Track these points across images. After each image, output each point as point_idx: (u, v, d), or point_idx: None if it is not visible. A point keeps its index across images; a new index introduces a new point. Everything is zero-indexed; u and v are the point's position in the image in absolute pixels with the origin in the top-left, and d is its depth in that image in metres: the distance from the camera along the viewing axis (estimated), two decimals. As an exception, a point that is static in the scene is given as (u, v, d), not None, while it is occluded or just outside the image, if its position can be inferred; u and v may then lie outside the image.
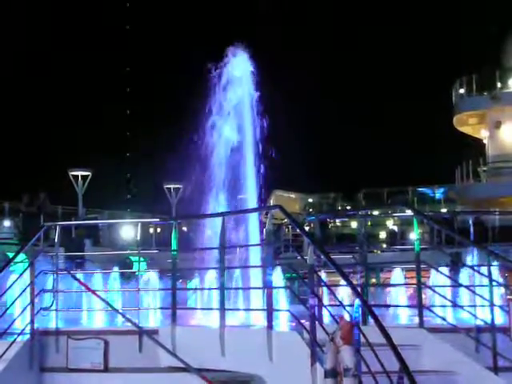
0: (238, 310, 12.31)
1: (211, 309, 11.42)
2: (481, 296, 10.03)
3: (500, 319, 9.86)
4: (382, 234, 37.49)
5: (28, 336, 10.79)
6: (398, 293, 14.01)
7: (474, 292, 10.46)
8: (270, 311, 9.33)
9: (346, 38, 59.86)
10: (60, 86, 54.44)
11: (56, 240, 11.58)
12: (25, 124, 53.56)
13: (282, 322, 10.73)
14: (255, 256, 13.50)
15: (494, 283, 10.12)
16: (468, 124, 43.44)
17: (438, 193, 52.40)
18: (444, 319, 10.45)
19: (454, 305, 11.45)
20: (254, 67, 16.25)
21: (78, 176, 34.32)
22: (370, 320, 8.44)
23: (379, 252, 26.49)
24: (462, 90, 42.18)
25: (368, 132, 55.85)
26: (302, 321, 8.92)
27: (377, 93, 58.82)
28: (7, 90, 51.28)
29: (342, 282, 8.57)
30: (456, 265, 13.65)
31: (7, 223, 38.92)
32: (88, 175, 34.25)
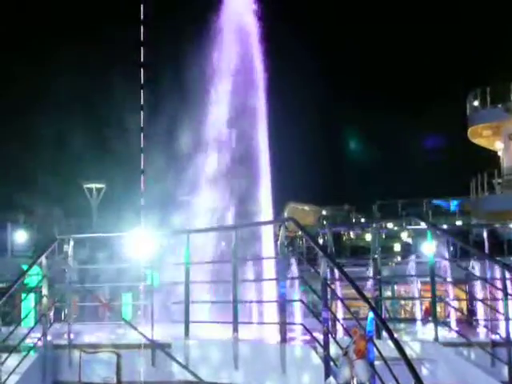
0: (252, 323, 12.25)
1: (225, 322, 11.37)
2: (496, 310, 9.94)
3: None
4: (397, 247, 37.34)
5: (41, 349, 10.78)
6: (413, 306, 13.92)
7: (489, 306, 10.38)
8: (283, 325, 9.28)
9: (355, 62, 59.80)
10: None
11: (69, 253, 11.58)
12: (39, 136, 53.71)
13: (296, 335, 10.67)
14: (269, 269, 13.46)
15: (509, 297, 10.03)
16: (482, 136, 43.25)
17: (453, 205, 52.17)
18: (459, 333, 10.36)
19: (469, 318, 11.36)
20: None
21: (92, 188, 34.41)
22: (384, 334, 8.37)
23: (393, 265, 26.34)
24: (476, 103, 42.02)
25: (383, 143, 55.79)
26: (316, 334, 8.87)
27: (390, 103, 58.76)
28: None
29: (356, 295, 8.51)
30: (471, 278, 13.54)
31: (22, 236, 39.07)
32: (102, 188, 34.37)
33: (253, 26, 17.68)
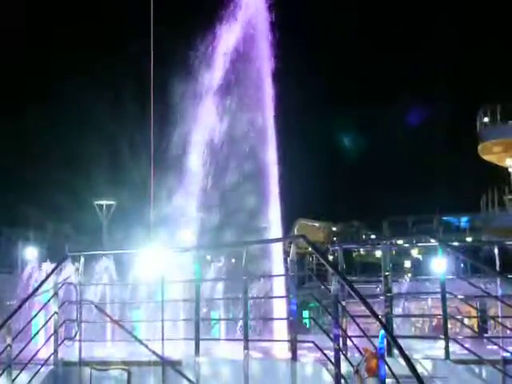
0: (262, 340, 12.24)
1: (235, 339, 11.36)
2: (508, 327, 9.91)
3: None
4: (407, 263, 37.25)
5: (52, 366, 10.78)
6: (424, 323, 13.87)
7: (500, 323, 10.34)
8: (294, 342, 9.26)
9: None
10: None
11: (80, 269, 11.60)
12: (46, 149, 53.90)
13: (307, 353, 10.64)
14: (279, 286, 13.44)
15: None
16: (493, 152, 43.25)
17: (463, 221, 52.08)
18: (470, 351, 10.32)
19: (481, 336, 11.31)
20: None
21: (102, 205, 34.55)
22: (396, 351, 8.35)
23: (404, 281, 26.27)
24: (486, 119, 42.05)
25: (393, 159, 55.74)
26: (327, 352, 8.84)
27: (401, 118, 58.77)
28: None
29: (367, 312, 8.49)
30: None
31: (32, 252, 39.15)
32: (112, 204, 34.49)
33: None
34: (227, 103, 18.16)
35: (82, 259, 11.76)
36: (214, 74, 18.21)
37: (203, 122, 18.45)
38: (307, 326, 18.10)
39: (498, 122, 41.24)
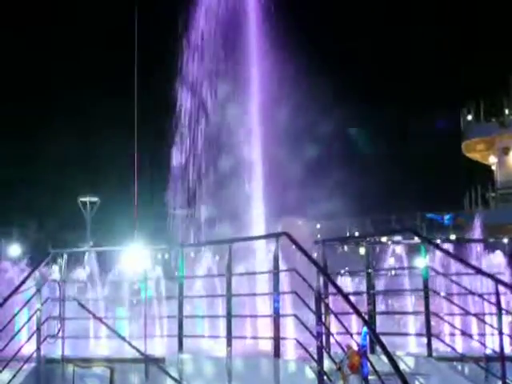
0: (245, 337, 12.23)
1: (218, 337, 11.36)
2: (490, 325, 9.95)
3: (509, 348, 9.78)
4: (391, 261, 37.30)
5: (34, 363, 10.74)
6: (407, 320, 13.91)
7: (482, 320, 10.38)
8: (277, 339, 9.27)
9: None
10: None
11: (63, 266, 11.55)
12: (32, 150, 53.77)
13: (290, 350, 10.65)
14: (262, 283, 13.45)
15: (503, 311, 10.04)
16: (476, 150, 43.44)
17: (446, 219, 52.25)
18: (453, 348, 10.36)
19: (463, 333, 11.36)
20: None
21: (86, 202, 34.45)
22: (378, 348, 8.37)
23: (387, 278, 26.30)
24: (469, 117, 42.21)
25: (376, 158, 55.78)
26: (310, 349, 8.85)
27: (387, 116, 58.80)
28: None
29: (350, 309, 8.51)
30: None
31: (16, 249, 38.96)
32: (96, 201, 34.38)
33: None
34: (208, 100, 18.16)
35: (65, 256, 11.73)
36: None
37: (185, 118, 18.44)
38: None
39: (481, 120, 41.41)
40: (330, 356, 8.43)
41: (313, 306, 8.99)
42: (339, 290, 8.44)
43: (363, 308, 11.02)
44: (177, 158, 18.92)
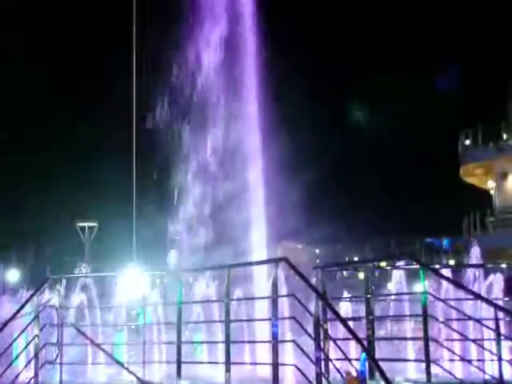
0: (244, 363, 12.19)
1: (217, 363, 11.31)
2: (489, 350, 9.92)
3: (508, 374, 9.75)
4: (390, 286, 37.23)
5: (32, 390, 10.69)
6: (406, 346, 13.85)
7: (481, 346, 10.36)
8: (275, 365, 9.24)
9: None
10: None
11: (61, 292, 11.54)
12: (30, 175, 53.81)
13: (288, 376, 10.60)
14: (261, 309, 13.40)
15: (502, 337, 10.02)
16: (474, 175, 43.50)
17: (445, 244, 52.25)
18: (452, 374, 10.32)
19: (462, 359, 11.32)
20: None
21: (84, 227, 34.46)
22: (377, 374, 8.33)
23: (386, 304, 26.22)
24: (467, 142, 42.31)
25: (376, 183, 55.89)
26: (309, 375, 8.82)
27: (385, 142, 58.94)
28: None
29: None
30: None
31: (15, 274, 38.85)
32: (94, 226, 34.40)
33: None
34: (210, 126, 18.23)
35: (64, 282, 11.72)
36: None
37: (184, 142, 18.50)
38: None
39: (479, 145, 41.50)
40: (329, 382, 8.41)
41: (312, 332, 8.98)
42: (338, 316, 8.42)
43: (362, 333, 11.00)
44: (177, 182, 18.96)
